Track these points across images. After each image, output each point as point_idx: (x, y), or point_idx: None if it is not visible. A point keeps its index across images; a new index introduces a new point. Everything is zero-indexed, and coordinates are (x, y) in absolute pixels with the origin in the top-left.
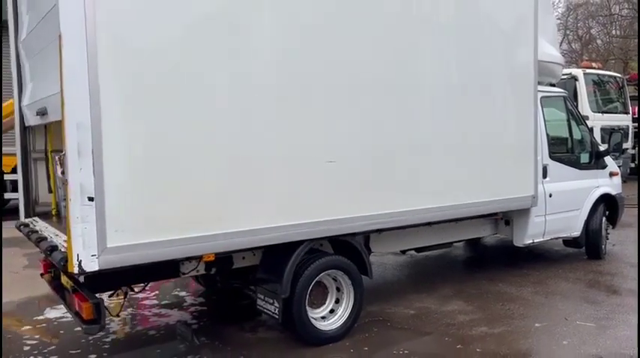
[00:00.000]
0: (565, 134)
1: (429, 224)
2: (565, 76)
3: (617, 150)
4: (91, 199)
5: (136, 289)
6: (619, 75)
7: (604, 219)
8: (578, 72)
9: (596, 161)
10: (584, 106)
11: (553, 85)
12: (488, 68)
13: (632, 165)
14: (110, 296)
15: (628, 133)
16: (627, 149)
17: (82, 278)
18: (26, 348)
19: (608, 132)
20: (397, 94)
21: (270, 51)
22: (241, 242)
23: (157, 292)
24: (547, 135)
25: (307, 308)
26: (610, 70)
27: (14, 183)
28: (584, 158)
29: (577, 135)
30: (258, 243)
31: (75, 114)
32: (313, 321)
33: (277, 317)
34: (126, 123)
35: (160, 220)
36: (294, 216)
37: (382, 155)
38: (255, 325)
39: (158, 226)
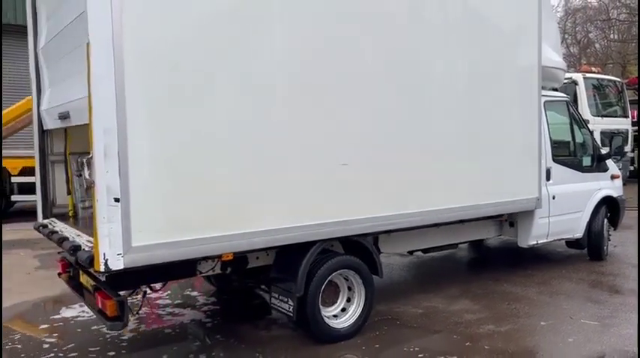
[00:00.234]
0: (568, 138)
1: (436, 225)
2: (565, 81)
3: (618, 154)
4: (117, 200)
5: (154, 288)
6: (618, 79)
7: (605, 220)
8: (578, 76)
9: (598, 164)
10: (584, 110)
11: (556, 90)
12: (495, 74)
13: (632, 168)
14: (129, 295)
15: (627, 137)
16: (627, 152)
17: (103, 277)
18: (45, 346)
19: (607, 135)
20: (408, 99)
21: (289, 59)
22: (260, 241)
23: (168, 292)
24: (550, 138)
25: (320, 306)
26: (609, 74)
27: (21, 185)
28: (587, 161)
29: (579, 138)
30: (274, 242)
31: (102, 119)
32: (326, 319)
33: (292, 315)
34: (150, 127)
35: (182, 220)
36: (309, 217)
37: (394, 158)
38: (268, 323)
39: (180, 226)
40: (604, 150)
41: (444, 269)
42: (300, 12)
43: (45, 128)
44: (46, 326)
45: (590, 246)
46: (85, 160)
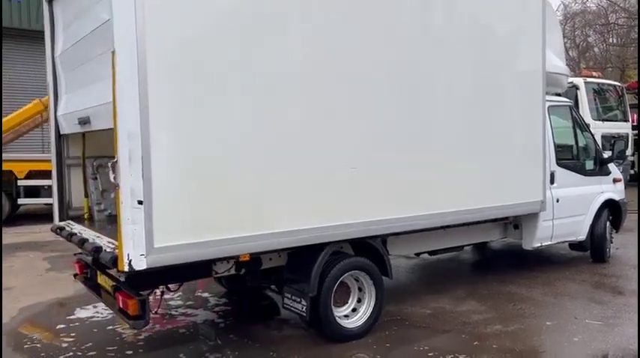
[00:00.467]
0: (571, 142)
1: (443, 228)
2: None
3: (620, 158)
4: (140, 202)
5: (171, 288)
6: (619, 83)
7: (608, 223)
8: (579, 81)
9: (601, 167)
10: (585, 114)
11: (559, 95)
12: (501, 80)
13: (632, 171)
14: (148, 295)
15: (628, 141)
16: (627, 156)
17: (122, 278)
18: (64, 345)
19: (608, 139)
20: (416, 105)
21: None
22: (278, 242)
23: (180, 293)
24: (554, 142)
25: (332, 307)
26: (608, 79)
27: (27, 188)
28: (589, 165)
29: (582, 142)
30: (289, 244)
31: (126, 124)
32: (338, 319)
33: (305, 314)
34: (172, 132)
35: (203, 222)
36: (323, 219)
37: (403, 161)
38: (279, 323)
39: (201, 227)
40: (606, 154)
41: (449, 270)
42: (320, 13)
43: (62, 132)
44: (62, 326)
45: (593, 249)
46: (110, 164)
